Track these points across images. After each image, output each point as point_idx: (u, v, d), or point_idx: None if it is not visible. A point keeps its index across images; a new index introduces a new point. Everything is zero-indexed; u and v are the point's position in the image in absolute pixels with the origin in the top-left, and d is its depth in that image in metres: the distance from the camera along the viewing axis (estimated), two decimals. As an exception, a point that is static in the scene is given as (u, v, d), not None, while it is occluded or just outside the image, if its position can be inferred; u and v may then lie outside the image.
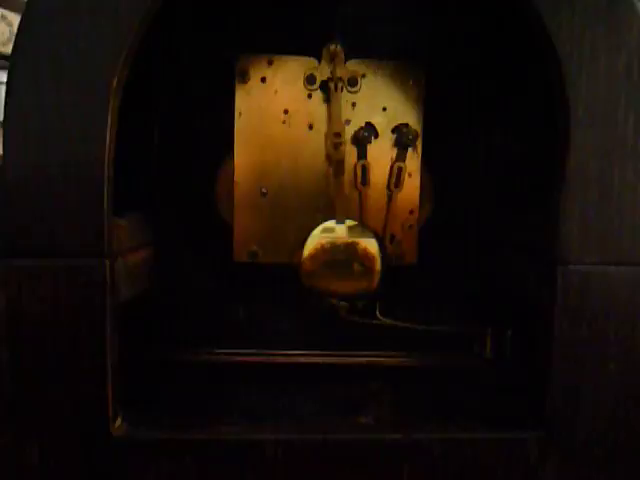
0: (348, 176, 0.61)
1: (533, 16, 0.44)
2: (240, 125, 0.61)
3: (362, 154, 0.62)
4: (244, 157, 0.61)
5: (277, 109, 0.61)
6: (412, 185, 0.63)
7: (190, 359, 0.62)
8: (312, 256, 0.59)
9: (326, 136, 0.61)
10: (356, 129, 0.61)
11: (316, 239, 0.59)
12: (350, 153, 0.61)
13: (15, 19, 1.98)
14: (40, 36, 0.42)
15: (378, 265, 0.59)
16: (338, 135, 0.60)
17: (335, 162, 0.60)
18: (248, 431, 0.47)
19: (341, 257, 0.59)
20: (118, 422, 0.46)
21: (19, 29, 0.43)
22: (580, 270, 0.46)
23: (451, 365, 0.65)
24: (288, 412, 0.53)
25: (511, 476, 0.48)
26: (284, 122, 0.61)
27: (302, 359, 0.65)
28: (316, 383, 0.61)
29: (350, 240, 0.59)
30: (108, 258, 0.44)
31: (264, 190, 0.61)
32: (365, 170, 0.62)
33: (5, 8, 2.06)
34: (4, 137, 0.44)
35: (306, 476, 0.46)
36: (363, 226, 0.60)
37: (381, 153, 0.62)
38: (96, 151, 0.43)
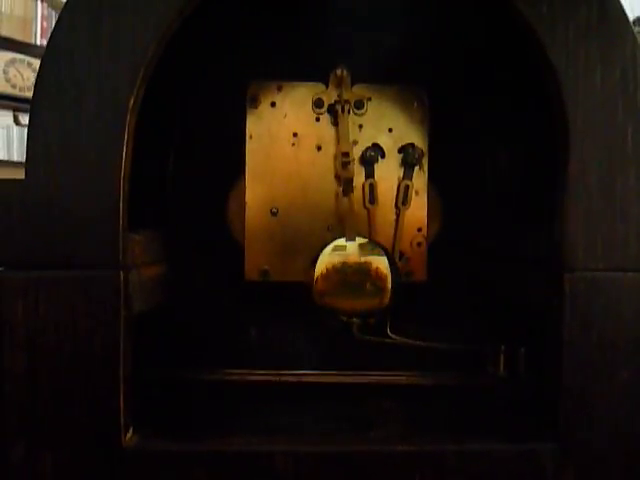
0: (357, 195, 0.63)
1: (528, 32, 0.46)
2: (251, 148, 0.63)
3: (369, 173, 0.63)
4: (255, 178, 0.63)
5: (286, 132, 0.63)
6: (419, 203, 0.64)
7: (201, 377, 0.62)
8: (324, 276, 0.60)
9: (335, 156, 0.62)
10: (363, 150, 0.63)
11: (327, 257, 0.60)
12: (358, 173, 0.63)
13: (39, 65, 2.09)
14: (61, 63, 0.45)
15: (389, 282, 0.60)
16: (346, 154, 0.62)
17: (344, 180, 0.62)
18: (259, 443, 0.47)
19: (354, 277, 0.60)
20: (130, 434, 0.46)
21: (43, 60, 0.46)
22: (587, 277, 0.46)
23: (464, 383, 0.64)
24: (299, 427, 0.53)
25: (526, 489, 0.47)
26: (293, 144, 0.63)
27: (314, 378, 0.65)
28: (328, 402, 0.61)
29: (362, 260, 0.60)
30: (123, 270, 0.45)
31: (274, 210, 0.63)
32: (373, 189, 0.63)
33: (30, 56, 2.17)
34: (27, 156, 0.46)
35: (317, 489, 0.46)
36: (373, 243, 0.61)
37: (388, 172, 0.64)
38: (112, 168, 0.45)
